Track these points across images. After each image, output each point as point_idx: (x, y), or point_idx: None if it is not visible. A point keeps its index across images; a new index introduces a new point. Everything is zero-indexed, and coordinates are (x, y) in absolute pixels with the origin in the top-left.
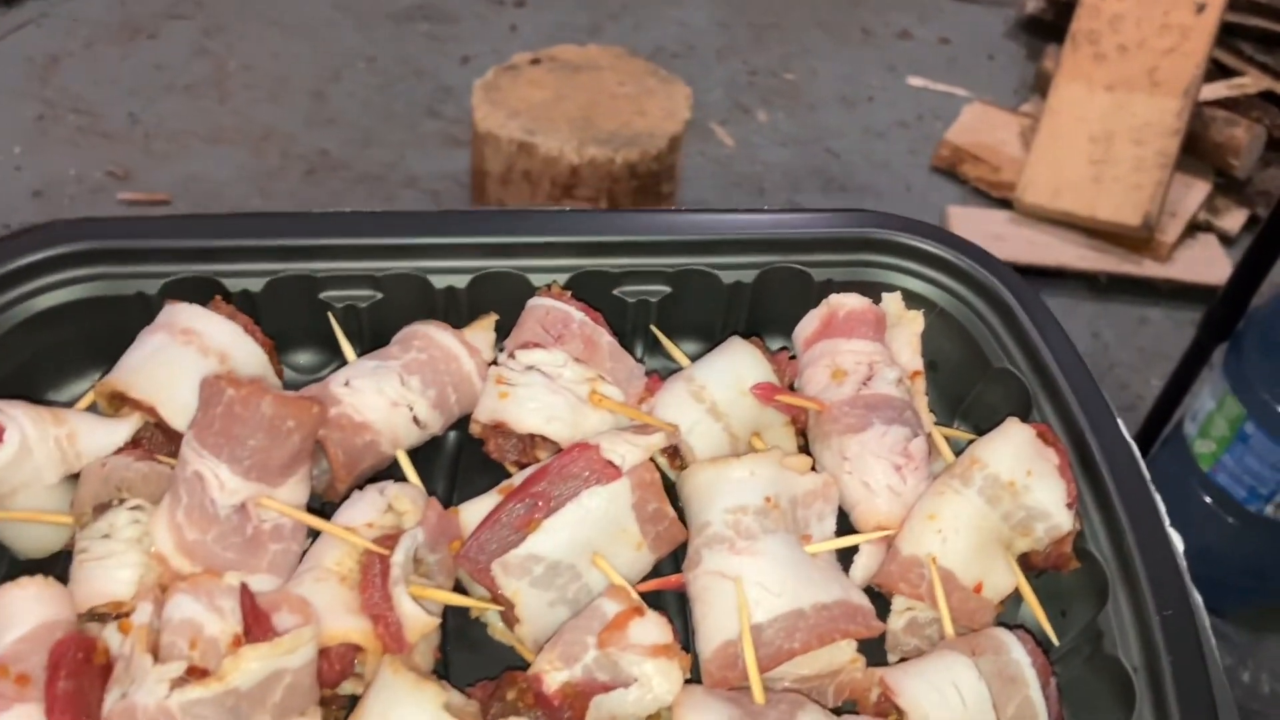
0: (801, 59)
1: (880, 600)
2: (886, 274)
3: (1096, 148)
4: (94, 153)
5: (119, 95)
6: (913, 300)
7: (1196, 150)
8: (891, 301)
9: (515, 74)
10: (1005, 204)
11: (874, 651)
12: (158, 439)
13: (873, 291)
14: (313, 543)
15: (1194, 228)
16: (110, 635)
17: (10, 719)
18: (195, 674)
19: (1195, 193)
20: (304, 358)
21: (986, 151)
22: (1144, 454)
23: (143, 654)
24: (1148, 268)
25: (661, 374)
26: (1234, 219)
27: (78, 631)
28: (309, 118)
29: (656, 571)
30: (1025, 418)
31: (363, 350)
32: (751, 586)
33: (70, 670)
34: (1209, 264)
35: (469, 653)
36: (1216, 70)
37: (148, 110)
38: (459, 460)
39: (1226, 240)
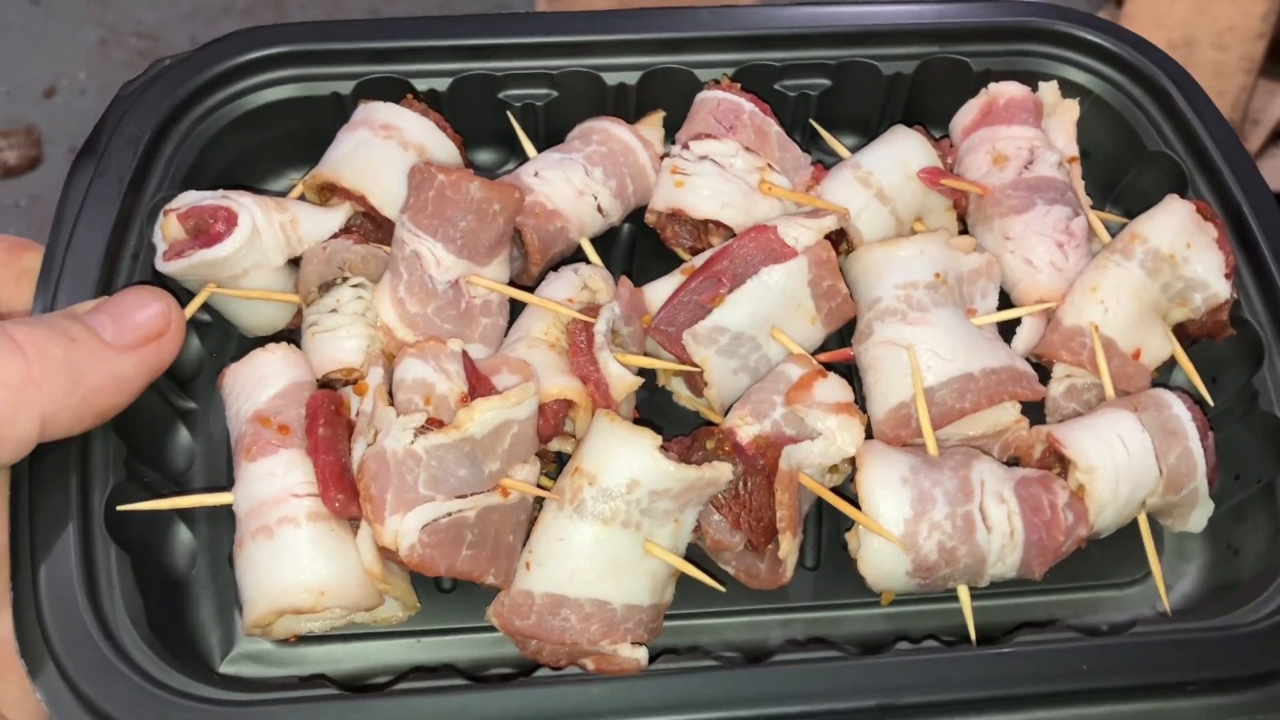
0: None
1: (1040, 370)
2: (1044, 63)
3: (1176, 54)
4: None
5: (178, 18)
6: (1069, 89)
7: None
8: (1049, 90)
9: None
10: None
11: (1034, 417)
12: (367, 226)
13: (1030, 81)
14: (514, 320)
15: (1278, 135)
16: (348, 395)
17: (278, 461)
18: (433, 424)
19: None
20: (485, 156)
21: None
22: None
23: (386, 407)
24: None
25: (824, 165)
26: None
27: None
28: None
29: (823, 348)
30: (1182, 197)
31: (540, 147)
32: (924, 353)
33: (327, 419)
34: None
35: (658, 417)
36: None
37: (207, 33)
38: (634, 249)
39: None
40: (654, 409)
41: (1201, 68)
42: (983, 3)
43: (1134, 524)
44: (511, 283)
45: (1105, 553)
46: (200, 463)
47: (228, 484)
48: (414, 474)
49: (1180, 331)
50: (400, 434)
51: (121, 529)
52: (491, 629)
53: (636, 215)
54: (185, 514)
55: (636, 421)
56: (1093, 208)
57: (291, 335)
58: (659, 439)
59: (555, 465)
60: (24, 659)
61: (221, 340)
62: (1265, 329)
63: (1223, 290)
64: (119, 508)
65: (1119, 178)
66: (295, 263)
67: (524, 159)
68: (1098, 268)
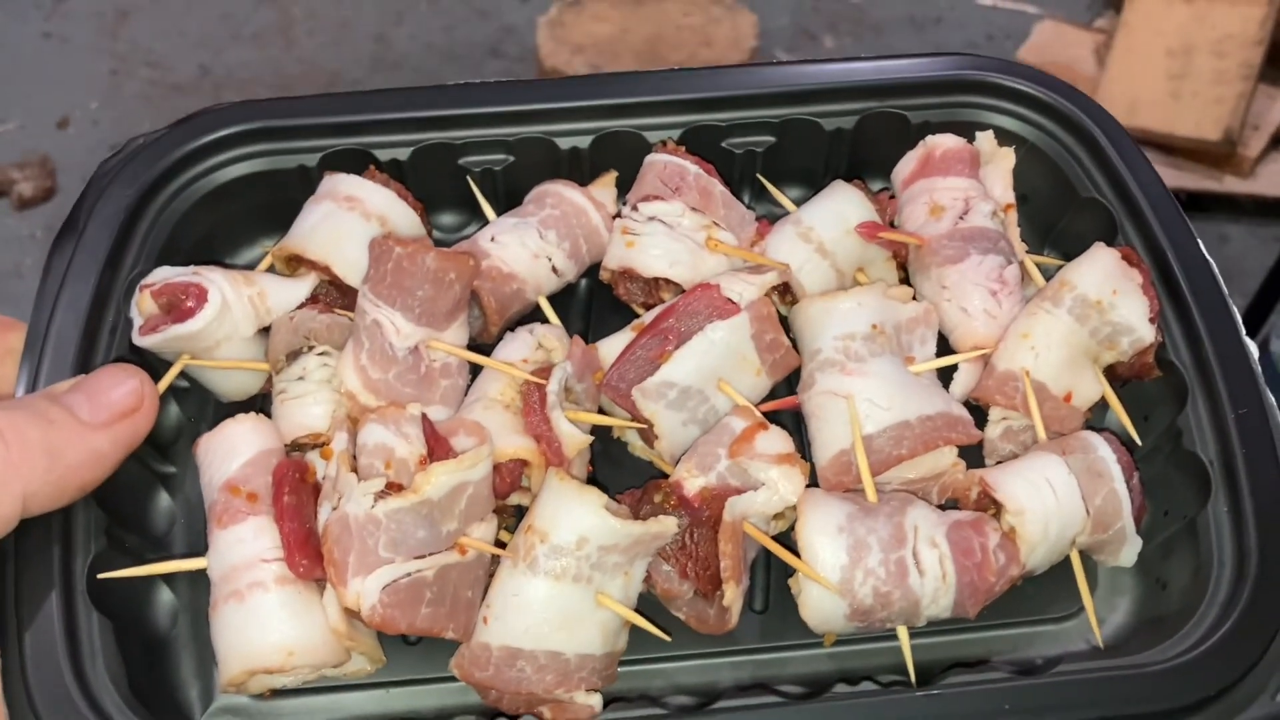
0: None
1: (977, 413)
2: (980, 113)
3: (1175, 62)
4: (166, 104)
5: (188, 47)
6: (1005, 137)
7: None
8: (985, 139)
9: (579, 9)
10: None
11: (972, 458)
12: (332, 294)
13: (967, 131)
14: (475, 378)
15: (1278, 141)
16: (314, 462)
17: (247, 528)
18: (393, 489)
19: None
20: (447, 218)
21: (1060, 70)
22: None
23: (348, 473)
24: (1229, 184)
25: (769, 219)
26: None
27: (291, 457)
28: (373, 62)
29: (773, 394)
30: (1111, 242)
31: (499, 209)
32: (862, 402)
33: (292, 487)
34: None
35: (613, 467)
36: None
37: (216, 61)
38: (591, 303)
39: None
40: (610, 460)
41: (1201, 74)
42: (919, 58)
43: (1068, 560)
44: (472, 342)
45: (1040, 589)
46: (181, 524)
47: (207, 544)
48: (374, 537)
49: (1111, 373)
50: (361, 499)
51: (103, 595)
52: (456, 678)
53: (594, 270)
54: (166, 575)
55: (591, 474)
56: (1031, 252)
57: (265, 399)
58: (605, 497)
59: (514, 518)
60: None
61: (199, 405)
62: (1189, 370)
63: (1147, 334)
64: (100, 576)
65: (1055, 221)
66: (266, 332)
67: (484, 220)
68: (1029, 315)
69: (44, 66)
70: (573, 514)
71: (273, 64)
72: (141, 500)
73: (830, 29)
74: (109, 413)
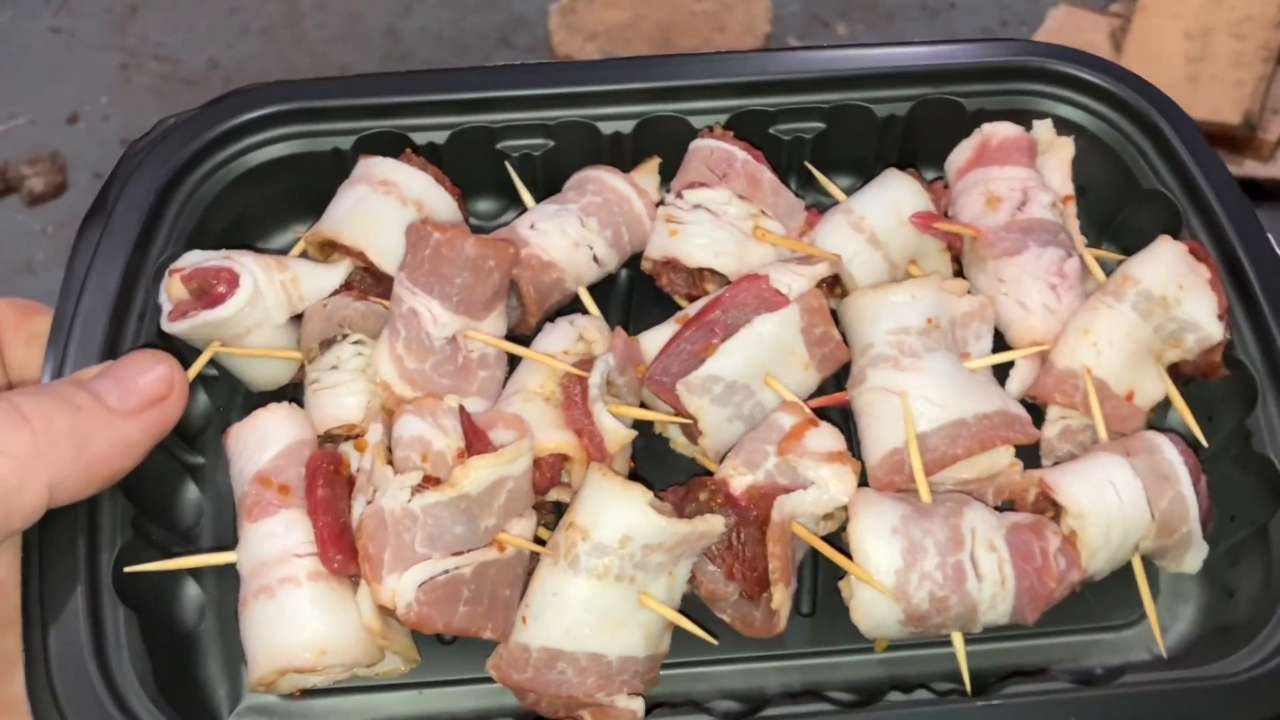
0: None
1: (1034, 412)
2: (1037, 101)
3: (1193, 45)
4: (177, 99)
5: (197, 41)
6: (1063, 126)
7: None
8: (1043, 128)
9: None
10: None
11: (1029, 459)
12: (367, 281)
13: (1024, 119)
14: (513, 370)
15: None
16: (348, 453)
17: (278, 522)
18: (430, 482)
19: None
20: (484, 205)
21: None
22: None
23: (384, 466)
24: (1249, 168)
25: (818, 208)
26: None
27: (324, 448)
28: (384, 55)
29: (821, 390)
30: (1175, 236)
31: (538, 196)
32: (916, 399)
33: (326, 479)
34: None
35: (655, 464)
36: None
37: (226, 55)
38: (632, 294)
39: None
40: (651, 456)
41: (1220, 57)
42: (976, 43)
43: (1129, 566)
44: (510, 333)
45: (1100, 595)
46: (208, 517)
47: (235, 537)
48: (411, 532)
49: (1175, 372)
50: (397, 493)
51: (129, 589)
52: (492, 680)
53: (635, 260)
54: (193, 569)
55: (633, 470)
56: (1088, 245)
57: (297, 389)
58: (650, 494)
59: (554, 515)
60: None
61: (229, 394)
62: (1259, 370)
63: (1215, 332)
64: (126, 569)
65: (1115, 214)
66: (298, 319)
67: (523, 207)
68: (1090, 310)
69: (53, 62)
70: (616, 511)
71: (282, 57)
72: (169, 491)
73: (842, 15)
74: (138, 399)
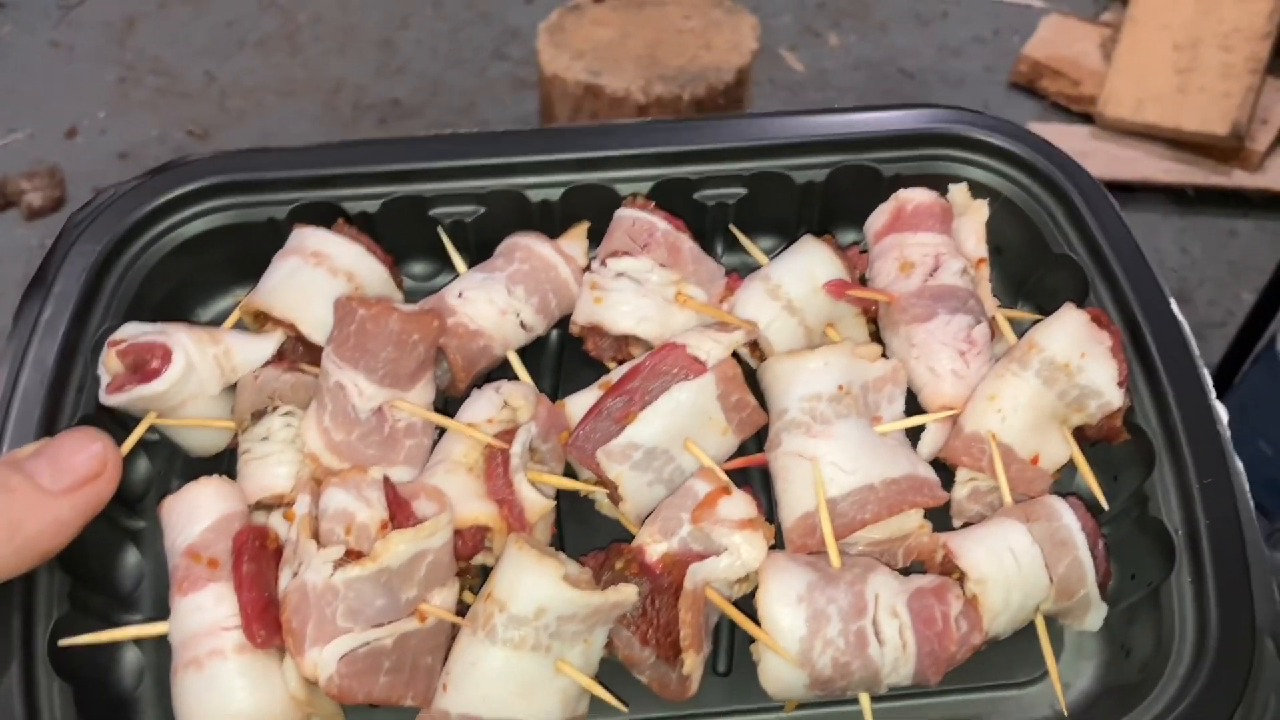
0: None
1: (945, 471)
2: (952, 166)
3: (1182, 56)
4: (173, 113)
5: (194, 54)
6: (978, 190)
7: None
8: (958, 192)
9: (579, 14)
10: (1087, 119)
11: (940, 517)
12: (299, 350)
13: (939, 184)
14: (440, 437)
15: None
16: (277, 523)
17: (207, 595)
18: (352, 556)
19: None
20: (418, 267)
21: (1066, 65)
22: (1235, 371)
23: (307, 540)
24: (1237, 178)
25: (740, 271)
26: None
27: (252, 523)
28: (379, 67)
29: (742, 450)
30: (1083, 300)
31: (470, 258)
32: (826, 465)
33: (251, 555)
34: None
35: (579, 525)
36: None
37: (222, 68)
38: (562, 355)
39: None
40: (576, 518)
41: (1208, 68)
42: (892, 110)
43: (1034, 624)
44: (440, 397)
45: (1005, 653)
46: (149, 580)
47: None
48: (332, 606)
49: (1080, 433)
50: (320, 567)
51: (66, 660)
52: None
53: (566, 320)
54: None
55: (555, 534)
56: (1003, 305)
57: (234, 454)
58: (564, 566)
59: (479, 579)
60: None
61: (169, 459)
62: (1156, 435)
63: (1115, 398)
64: (61, 643)
65: (1028, 276)
66: (234, 388)
67: (455, 269)
68: (996, 376)
69: (52, 76)
70: (531, 584)
71: (278, 70)
72: (108, 558)
73: (834, 26)
74: (71, 478)
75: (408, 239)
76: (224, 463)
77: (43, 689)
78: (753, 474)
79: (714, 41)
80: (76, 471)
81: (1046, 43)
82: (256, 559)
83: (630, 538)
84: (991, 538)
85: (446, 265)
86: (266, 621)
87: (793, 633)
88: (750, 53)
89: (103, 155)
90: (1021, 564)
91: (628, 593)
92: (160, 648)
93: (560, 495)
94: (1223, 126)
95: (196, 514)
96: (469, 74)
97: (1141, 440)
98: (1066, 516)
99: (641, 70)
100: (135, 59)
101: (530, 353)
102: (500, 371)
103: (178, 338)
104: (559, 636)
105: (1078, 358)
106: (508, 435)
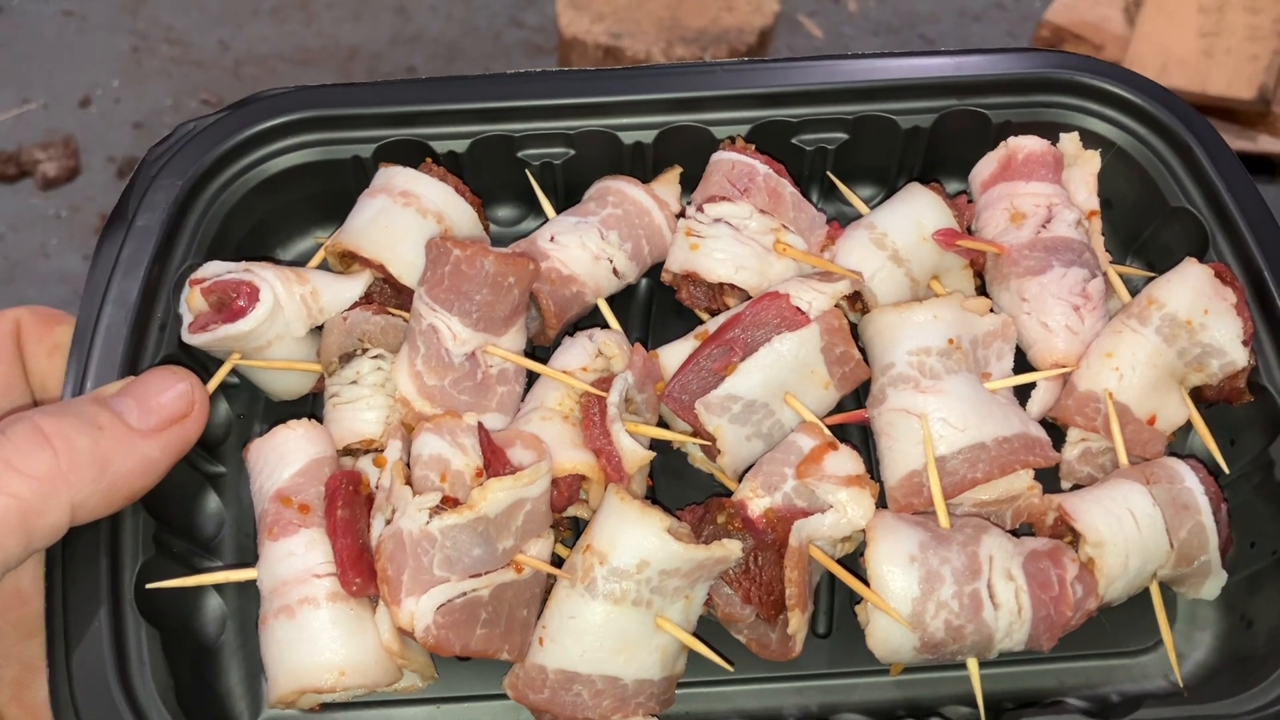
0: None
1: (1055, 431)
2: (1064, 114)
3: (1207, 19)
4: (188, 81)
5: (208, 23)
6: (1090, 140)
7: None
8: (1069, 141)
9: None
10: None
11: (1049, 480)
12: (387, 293)
13: (1050, 132)
14: (532, 383)
15: None
16: (366, 468)
17: (298, 541)
18: (448, 503)
19: None
20: (504, 212)
21: (1089, 29)
22: None
23: (402, 486)
24: (1264, 143)
25: (840, 219)
26: None
27: (342, 468)
28: (393, 35)
29: (840, 407)
30: (1202, 256)
31: (558, 203)
32: (936, 422)
33: (345, 500)
34: None
35: (673, 479)
36: None
37: (236, 36)
38: (652, 305)
39: None
40: (669, 472)
41: (1234, 31)
42: (1002, 54)
43: (1147, 591)
44: (529, 345)
45: (1118, 621)
46: (230, 527)
47: (256, 548)
48: (429, 555)
49: (1198, 395)
50: (416, 514)
51: (151, 605)
52: (508, 697)
53: (655, 271)
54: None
55: (650, 487)
56: (1113, 262)
57: (317, 398)
58: (667, 519)
59: (571, 533)
60: None
61: (249, 403)
62: None
63: (1240, 357)
64: (148, 586)
65: (1141, 230)
66: (319, 330)
67: (543, 213)
68: (1113, 333)
69: (65, 46)
70: (633, 536)
71: (292, 38)
72: (190, 503)
73: None
74: (159, 418)
75: (495, 181)
76: (307, 406)
77: (130, 631)
78: (850, 432)
79: (735, 3)
80: (164, 411)
81: (1069, 7)
82: (350, 505)
83: (726, 492)
84: (1110, 499)
85: (533, 209)
86: (361, 569)
87: (905, 593)
88: (773, 14)
89: (117, 125)
90: (1142, 527)
91: (732, 548)
92: (243, 596)
93: (653, 447)
94: (1249, 91)
95: (286, 458)
96: (484, 40)
97: (1266, 401)
98: (1190, 479)
99: (663, 32)
100: (148, 28)
101: (618, 302)
102: (588, 320)
103: (265, 276)
104: (660, 591)
105: (1200, 315)
106: (603, 384)
